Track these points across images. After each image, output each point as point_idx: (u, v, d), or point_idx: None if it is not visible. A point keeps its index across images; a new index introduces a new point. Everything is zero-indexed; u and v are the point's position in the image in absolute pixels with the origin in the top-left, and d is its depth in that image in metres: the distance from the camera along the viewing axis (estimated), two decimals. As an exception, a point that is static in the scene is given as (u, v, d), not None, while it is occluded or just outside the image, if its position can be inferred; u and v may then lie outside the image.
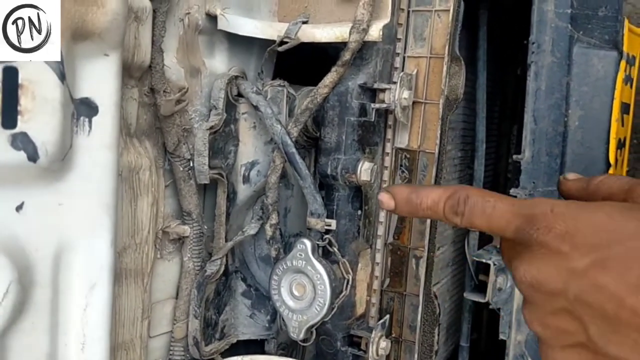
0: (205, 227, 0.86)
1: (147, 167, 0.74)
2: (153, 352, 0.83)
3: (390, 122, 0.97)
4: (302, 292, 0.85)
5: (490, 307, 1.26)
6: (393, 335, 1.00)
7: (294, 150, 0.87)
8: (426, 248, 0.96)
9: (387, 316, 0.98)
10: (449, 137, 1.31)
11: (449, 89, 0.93)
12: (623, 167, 1.32)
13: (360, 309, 0.97)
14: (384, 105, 0.91)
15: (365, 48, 0.91)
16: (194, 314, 0.83)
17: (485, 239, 1.42)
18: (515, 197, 1.26)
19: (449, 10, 0.92)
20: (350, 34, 0.85)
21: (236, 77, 0.88)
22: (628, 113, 1.31)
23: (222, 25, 0.86)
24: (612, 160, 1.17)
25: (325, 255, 0.89)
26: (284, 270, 0.86)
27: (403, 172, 0.98)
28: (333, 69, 0.88)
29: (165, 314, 0.84)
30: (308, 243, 0.85)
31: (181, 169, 0.81)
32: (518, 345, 1.17)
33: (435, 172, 0.94)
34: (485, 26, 1.34)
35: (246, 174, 0.91)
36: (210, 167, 0.84)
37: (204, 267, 0.86)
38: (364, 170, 0.87)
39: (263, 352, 0.94)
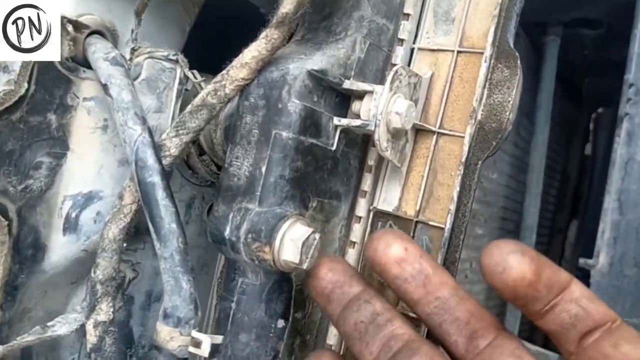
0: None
1: None
2: None
3: (371, 161, 0.53)
4: None
5: None
6: None
7: (155, 178, 0.43)
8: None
9: None
10: (481, 216, 0.86)
11: (487, 109, 0.48)
12: None
13: None
14: (357, 123, 0.46)
15: (334, 9, 0.48)
16: None
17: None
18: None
19: (503, -29, 0.49)
20: (299, -38, 0.42)
21: (80, 27, 0.46)
22: None
23: None
24: None
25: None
26: None
27: (382, 256, 0.52)
28: (261, 34, 0.45)
29: None
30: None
31: None
32: None
33: (441, 263, 0.48)
34: (554, 60, 0.90)
35: (72, 214, 0.47)
36: (-29, 187, 0.40)
37: None
38: (290, 241, 0.42)
39: None
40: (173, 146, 0.45)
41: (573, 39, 0.96)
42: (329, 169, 0.48)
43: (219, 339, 0.44)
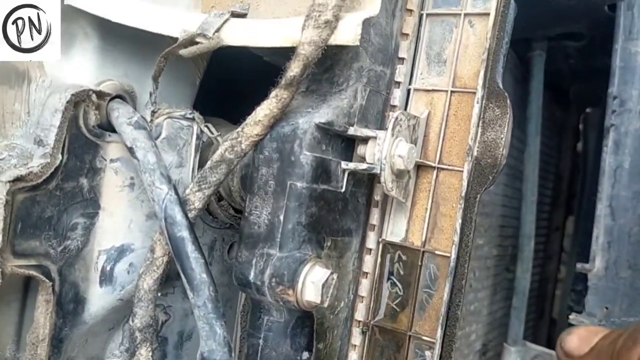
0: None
1: None
2: None
3: (377, 197, 0.57)
4: None
5: None
6: None
7: (184, 233, 0.47)
8: None
9: None
10: (481, 227, 0.90)
11: (481, 146, 0.52)
12: None
13: None
14: (364, 167, 0.50)
15: (335, 61, 0.52)
16: None
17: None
18: (573, 325, 0.83)
19: (488, 14, 0.53)
20: (303, 29, 0.46)
21: (103, 96, 0.50)
22: None
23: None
24: None
25: None
26: None
27: (394, 284, 0.56)
28: (272, 93, 0.49)
29: None
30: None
31: (-54, 253, 0.41)
32: None
33: (449, 289, 0.52)
34: (541, 74, 0.94)
35: (107, 267, 0.51)
36: (19, 255, 0.44)
37: None
38: (311, 284, 0.46)
39: None
40: (197, 200, 0.49)
41: (558, 51, 1.00)
42: (340, 210, 0.52)
43: (251, 376, 0.48)
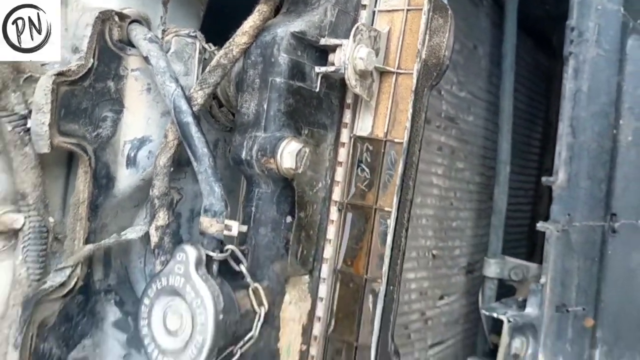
0: (51, 219, 0.59)
1: None
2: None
3: (349, 100, 0.69)
4: (178, 325, 0.57)
5: (501, 380, 0.93)
6: (338, 408, 0.69)
7: (189, 119, 0.60)
8: (384, 279, 0.65)
9: (326, 378, 0.67)
10: (460, 152, 1.02)
11: (428, 50, 0.64)
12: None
13: (288, 364, 0.67)
14: (332, 69, 0.63)
15: (307, -16, 0.65)
16: (13, 343, 0.55)
17: (506, 291, 1.09)
18: (543, 233, 0.95)
19: (435, -56, 0.65)
20: (277, -46, 0.59)
21: (124, 17, 0.63)
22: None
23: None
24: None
25: (229, 275, 0.60)
26: (157, 290, 0.58)
27: (362, 170, 0.69)
28: (255, 8, 0.62)
29: (-21, 340, 0.57)
30: (191, 252, 0.57)
31: (10, 128, 0.55)
32: None
33: (402, 169, 0.65)
34: (514, 14, 1.05)
35: (131, 154, 0.65)
36: (63, 133, 0.58)
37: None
38: (287, 154, 0.59)
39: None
40: (199, 97, 0.62)
41: (532, -3, 1.11)
42: (315, 106, 0.65)
43: (244, 227, 0.61)
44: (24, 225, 0.58)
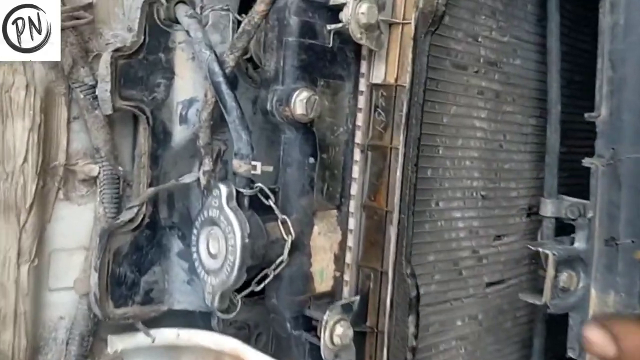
0: (121, 168, 0.74)
1: (23, 85, 0.65)
2: (56, 306, 0.74)
3: (364, 52, 0.78)
4: (217, 249, 0.70)
5: (549, 311, 0.97)
6: (368, 324, 0.79)
7: (220, 79, 0.72)
8: (396, 208, 0.73)
9: (356, 297, 0.77)
10: (507, 96, 1.05)
11: (424, 1, 0.71)
12: None
13: (322, 286, 0.78)
14: (340, 25, 0.72)
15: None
16: (94, 266, 0.71)
17: (564, 229, 1.11)
18: (589, 169, 0.96)
19: None
20: None
21: (170, -1, 0.76)
22: None
23: None
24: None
25: (263, 210, 0.72)
26: (201, 221, 0.72)
27: (379, 114, 0.77)
28: (270, -22, 0.72)
29: (73, 265, 0.74)
30: (223, 189, 0.69)
31: (82, 96, 0.71)
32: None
33: (407, 109, 0.72)
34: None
35: (183, 112, 0.78)
36: (124, 98, 0.72)
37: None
38: (299, 102, 0.70)
39: (208, 328, 0.80)
40: (230, 60, 0.74)
41: None
42: (329, 59, 0.74)
43: (270, 168, 0.72)
44: (99, 173, 0.73)
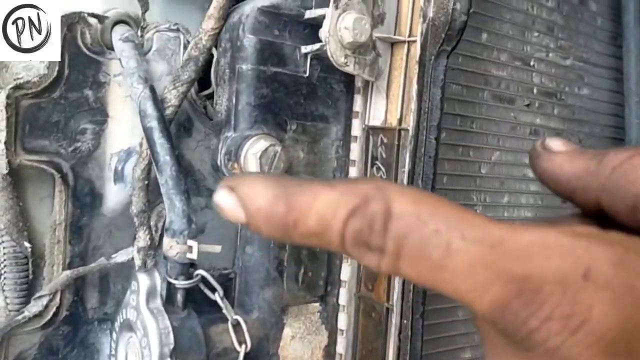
0: (27, 244, 0.55)
1: None
2: None
3: (358, 84, 0.56)
4: (136, 365, 0.49)
5: None
6: None
7: (153, 123, 0.52)
8: (397, 305, 0.50)
9: None
10: (579, 137, 0.80)
11: (435, 7, 0.49)
12: None
13: (299, 410, 0.55)
14: (317, 47, 0.51)
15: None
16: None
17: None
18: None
19: None
20: None
21: (102, 19, 0.58)
22: None
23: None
24: None
25: (212, 307, 0.51)
26: (120, 324, 0.51)
27: (378, 169, 0.55)
28: (220, -14, 0.52)
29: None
30: (142, 280, 0.49)
31: (-31, 149, 0.52)
32: None
33: (410, 165, 0.49)
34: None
35: (119, 167, 0.59)
36: (29, 151, 0.54)
37: (27, 307, 0.55)
38: (251, 155, 0.48)
39: None
40: (172, 97, 0.54)
41: None
42: (305, 94, 0.53)
43: (217, 248, 0.51)
44: (-2, 252, 0.55)
